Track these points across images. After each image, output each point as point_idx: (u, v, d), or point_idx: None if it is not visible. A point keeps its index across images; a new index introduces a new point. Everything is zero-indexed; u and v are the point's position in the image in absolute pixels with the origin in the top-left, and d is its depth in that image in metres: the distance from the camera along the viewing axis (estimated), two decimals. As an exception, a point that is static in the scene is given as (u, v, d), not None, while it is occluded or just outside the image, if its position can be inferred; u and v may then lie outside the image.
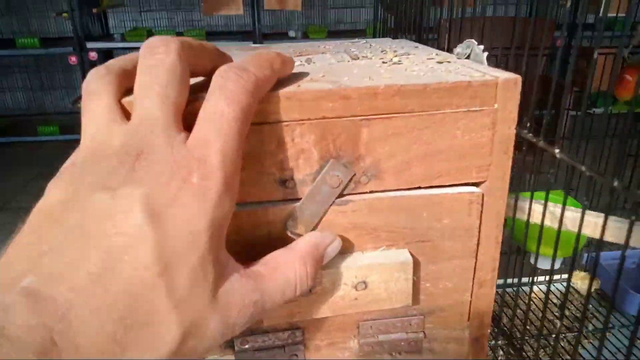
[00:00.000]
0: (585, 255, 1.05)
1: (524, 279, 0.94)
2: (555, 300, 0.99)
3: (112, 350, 0.22)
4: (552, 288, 1.02)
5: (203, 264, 0.24)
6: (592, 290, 1.01)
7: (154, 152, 0.25)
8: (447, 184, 0.36)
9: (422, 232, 0.37)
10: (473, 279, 0.39)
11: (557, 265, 0.97)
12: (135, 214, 0.23)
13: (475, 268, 0.39)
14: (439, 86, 0.33)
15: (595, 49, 0.44)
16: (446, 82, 0.33)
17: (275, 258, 0.31)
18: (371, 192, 0.35)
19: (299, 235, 0.35)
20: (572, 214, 0.50)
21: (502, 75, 0.34)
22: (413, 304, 0.38)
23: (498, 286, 0.94)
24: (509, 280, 0.90)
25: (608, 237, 0.47)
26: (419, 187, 0.36)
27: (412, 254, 0.37)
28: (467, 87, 0.33)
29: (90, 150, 0.26)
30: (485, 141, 0.35)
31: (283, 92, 0.32)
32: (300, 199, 0.35)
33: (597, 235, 0.47)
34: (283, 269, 0.30)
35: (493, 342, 0.76)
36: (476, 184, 0.37)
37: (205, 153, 0.25)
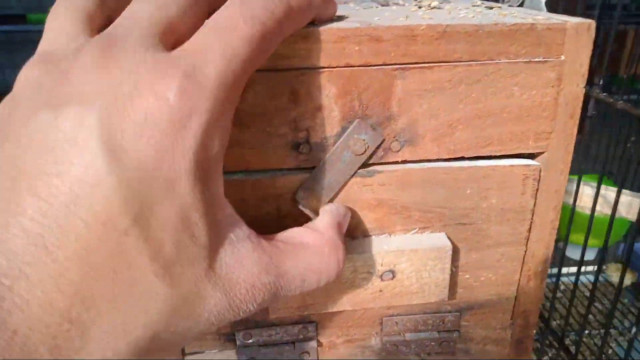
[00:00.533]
0: (622, 245, 0.98)
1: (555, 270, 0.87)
2: (586, 293, 0.91)
3: (67, 333, 0.16)
4: (585, 280, 0.95)
5: (186, 220, 0.18)
6: (629, 283, 0.93)
7: (118, 56, 0.18)
8: (497, 154, 0.29)
9: (463, 212, 0.30)
10: (521, 271, 0.33)
11: (592, 256, 0.89)
12: (86, 146, 0.16)
13: (524, 258, 0.32)
14: (495, 29, 0.26)
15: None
16: (503, 24, 0.26)
17: (299, 235, 0.25)
18: (404, 162, 0.29)
19: (311, 211, 0.28)
20: (627, 198, 0.43)
21: (572, 19, 0.27)
22: (449, 298, 0.32)
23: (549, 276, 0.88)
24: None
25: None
26: (463, 158, 0.29)
27: (450, 239, 0.30)
28: (529, 31, 0.26)
29: (43, 53, 0.20)
30: (548, 102, 0.28)
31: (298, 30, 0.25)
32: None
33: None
34: (309, 250, 0.24)
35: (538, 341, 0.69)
36: (533, 156, 0.30)
37: (198, 64, 0.18)
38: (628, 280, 0.93)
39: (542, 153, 0.29)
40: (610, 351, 0.82)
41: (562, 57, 0.27)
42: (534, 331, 0.34)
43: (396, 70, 0.27)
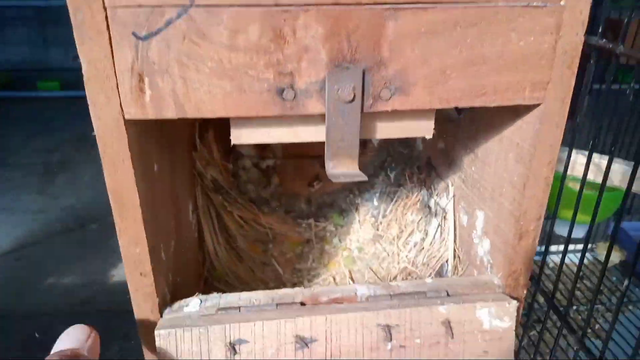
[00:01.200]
0: (612, 224, 0.98)
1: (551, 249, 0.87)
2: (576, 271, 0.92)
3: None
4: (575, 258, 0.95)
5: None
6: (618, 261, 0.93)
7: None
8: (492, 104, 0.28)
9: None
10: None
11: (581, 234, 0.90)
12: None
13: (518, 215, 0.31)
14: (492, -32, 0.25)
15: None
16: (502, -38, 0.25)
17: None
18: (394, 110, 0.28)
19: (350, 175, 0.27)
20: (622, 167, 0.42)
21: (573, -37, 0.26)
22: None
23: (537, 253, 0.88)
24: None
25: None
26: (455, 109, 0.28)
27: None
28: (529, -29, 0.25)
29: None
30: (546, 50, 0.27)
31: (284, -39, 0.23)
32: (303, 116, 0.27)
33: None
34: None
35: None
36: (529, 107, 0.29)
37: None
38: (617, 258, 0.94)
39: (539, 105, 0.28)
40: (597, 327, 0.83)
41: (562, 3, 0.26)
42: (524, 292, 0.33)
43: (388, 10, 0.25)
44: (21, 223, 1.81)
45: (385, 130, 0.29)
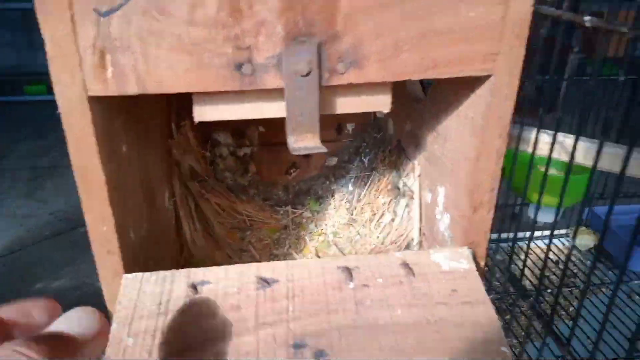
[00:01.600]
0: (587, 210, 0.99)
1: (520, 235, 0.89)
2: (552, 257, 0.93)
3: None
4: (558, 243, 0.97)
5: None
6: (592, 246, 0.95)
7: None
8: (443, 76, 0.29)
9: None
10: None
11: (554, 218, 0.92)
12: None
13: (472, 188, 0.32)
14: (439, -57, 0.26)
15: None
16: (448, -63, 0.26)
17: None
18: (350, 84, 0.28)
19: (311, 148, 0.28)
20: (586, 144, 0.44)
21: None
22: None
23: (506, 240, 0.89)
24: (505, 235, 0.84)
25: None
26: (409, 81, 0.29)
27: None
28: (474, -55, 0.26)
29: None
30: (495, 20, 0.28)
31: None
32: (265, 91, 0.28)
33: (616, 169, 0.40)
34: None
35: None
36: (480, 80, 0.30)
37: None
38: (591, 242, 0.96)
39: (489, 77, 0.29)
40: (572, 309, 0.85)
41: (510, -26, 0.27)
42: (483, 264, 0.34)
43: (341, -16, 0.26)
44: (9, 228, 1.80)
45: (345, 105, 0.30)
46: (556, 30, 0.50)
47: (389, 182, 0.50)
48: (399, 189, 0.47)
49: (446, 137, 0.37)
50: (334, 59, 0.27)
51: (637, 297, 0.90)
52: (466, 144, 0.33)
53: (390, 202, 0.48)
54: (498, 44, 0.28)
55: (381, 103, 0.31)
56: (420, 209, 0.43)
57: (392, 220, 0.47)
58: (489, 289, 0.75)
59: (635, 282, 0.87)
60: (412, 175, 0.44)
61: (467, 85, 0.31)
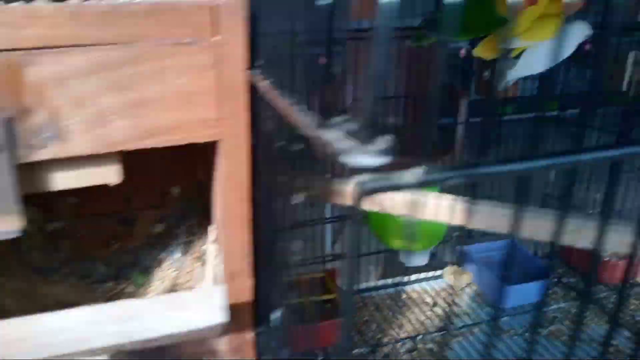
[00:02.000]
0: (458, 248, 1.02)
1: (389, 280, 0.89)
2: (428, 300, 0.94)
3: None
4: (426, 286, 0.98)
5: None
6: (465, 285, 0.97)
7: None
8: (165, 144, 0.27)
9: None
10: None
11: (426, 261, 0.93)
12: None
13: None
14: (132, 9, 0.25)
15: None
16: (141, 3, 0.25)
17: None
18: (56, 158, 0.26)
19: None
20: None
21: None
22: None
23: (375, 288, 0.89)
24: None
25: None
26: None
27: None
28: (172, 11, 0.25)
29: None
30: (208, 86, 0.27)
31: None
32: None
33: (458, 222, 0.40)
34: None
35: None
36: (213, 145, 0.28)
37: None
38: (464, 281, 0.98)
39: (217, 142, 0.28)
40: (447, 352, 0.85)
41: (219, 38, 0.26)
42: (252, 334, 0.31)
43: (24, 55, 0.24)
44: None
45: (64, 180, 0.27)
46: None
47: (200, 245, 0.47)
48: (204, 251, 0.45)
49: (215, 200, 0.35)
50: (29, 134, 0.25)
51: (506, 334, 0.92)
52: (222, 207, 0.31)
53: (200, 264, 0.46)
54: (217, 109, 0.27)
55: (110, 174, 0.28)
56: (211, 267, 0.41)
57: (201, 280, 0.44)
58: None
59: (504, 318, 0.89)
60: (209, 238, 0.42)
61: (209, 150, 0.30)
